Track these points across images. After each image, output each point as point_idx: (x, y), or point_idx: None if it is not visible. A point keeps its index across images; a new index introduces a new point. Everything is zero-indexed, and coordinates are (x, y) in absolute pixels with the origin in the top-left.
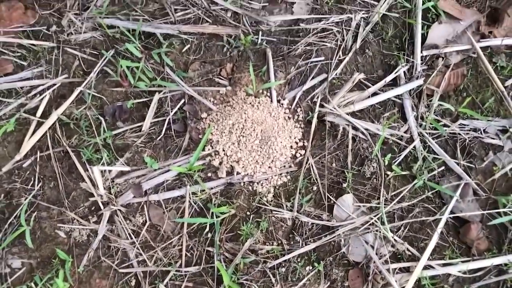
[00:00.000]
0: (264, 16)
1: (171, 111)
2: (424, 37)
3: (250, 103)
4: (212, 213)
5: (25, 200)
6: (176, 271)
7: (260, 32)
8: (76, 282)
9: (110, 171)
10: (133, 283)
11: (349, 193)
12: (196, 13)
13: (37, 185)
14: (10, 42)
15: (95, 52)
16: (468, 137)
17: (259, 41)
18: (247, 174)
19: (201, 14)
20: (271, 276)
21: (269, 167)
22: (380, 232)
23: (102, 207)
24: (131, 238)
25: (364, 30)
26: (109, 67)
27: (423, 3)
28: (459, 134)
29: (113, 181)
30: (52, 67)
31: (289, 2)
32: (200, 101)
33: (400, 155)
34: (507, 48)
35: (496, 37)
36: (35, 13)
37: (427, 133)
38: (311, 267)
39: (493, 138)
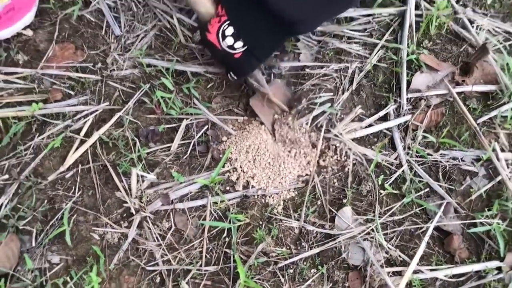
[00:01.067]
0: (276, 62)
1: (196, 135)
2: (408, 83)
3: (264, 129)
4: (230, 220)
5: (66, 205)
6: (196, 270)
7: (272, 75)
8: (107, 278)
9: (143, 181)
10: (157, 280)
11: (348, 206)
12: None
13: (77, 193)
14: (61, 75)
15: (133, 86)
16: (448, 164)
17: (271, 81)
18: (261, 188)
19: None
20: (280, 276)
21: (280, 183)
22: (375, 240)
23: (134, 212)
24: (158, 241)
25: (358, 76)
26: (145, 98)
27: (407, 56)
28: (441, 161)
29: (143, 192)
30: (95, 96)
31: (297, 52)
32: (221, 127)
33: (391, 177)
34: (477, 93)
35: (468, 85)
36: (83, 53)
37: (413, 160)
38: (315, 270)
39: (469, 166)
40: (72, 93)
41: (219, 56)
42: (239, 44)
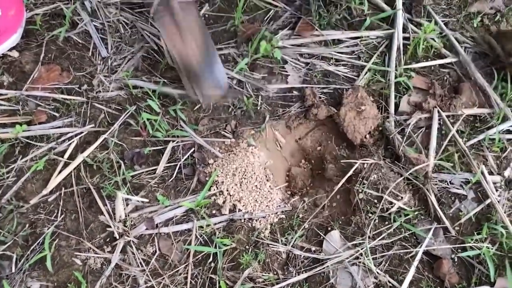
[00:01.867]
0: (263, 84)
1: (182, 158)
2: (397, 105)
3: (251, 152)
4: (216, 245)
5: (47, 229)
6: None
7: (260, 97)
8: None
9: (127, 204)
10: None
11: (336, 229)
12: None
13: (60, 217)
14: (46, 97)
15: (119, 108)
16: (437, 187)
17: (259, 103)
18: (247, 211)
19: None
20: None
21: (267, 206)
22: (364, 265)
23: (117, 236)
24: (142, 266)
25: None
26: (130, 120)
27: (395, 78)
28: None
29: (128, 215)
30: (80, 118)
31: (284, 74)
32: (208, 150)
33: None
34: (465, 116)
35: (456, 107)
36: (69, 74)
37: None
38: None
39: (458, 189)
40: (57, 115)
41: None
42: None
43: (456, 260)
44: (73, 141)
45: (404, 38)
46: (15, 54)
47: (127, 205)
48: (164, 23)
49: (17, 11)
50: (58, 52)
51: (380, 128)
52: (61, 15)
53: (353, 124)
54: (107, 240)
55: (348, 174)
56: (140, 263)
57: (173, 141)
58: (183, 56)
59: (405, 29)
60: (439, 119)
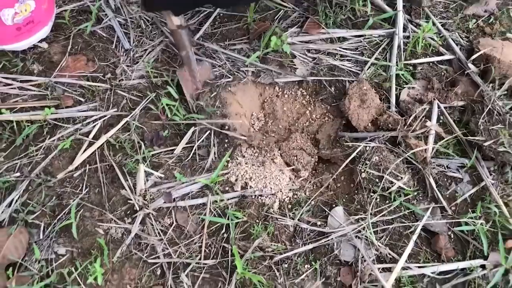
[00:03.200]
0: (274, 76)
1: (198, 140)
2: (397, 97)
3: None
4: (228, 217)
5: (73, 201)
6: (196, 263)
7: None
8: (110, 269)
9: (147, 180)
10: (158, 272)
11: (340, 206)
12: (222, 71)
13: (84, 191)
14: (73, 83)
15: (140, 95)
16: (435, 171)
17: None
18: (258, 189)
19: (225, 72)
20: (275, 270)
21: (276, 184)
22: (366, 238)
23: (137, 208)
24: (159, 236)
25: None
26: (151, 105)
27: (396, 72)
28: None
29: (147, 190)
30: (104, 103)
31: (293, 68)
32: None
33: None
34: (460, 107)
35: (452, 100)
36: (94, 64)
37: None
38: (309, 265)
39: (454, 172)
40: (83, 100)
41: None
42: None
43: (452, 236)
44: (97, 123)
45: (404, 37)
46: (44, 45)
47: (147, 180)
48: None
49: (49, 5)
50: (84, 44)
51: (383, 116)
52: (88, 11)
53: (357, 112)
54: (128, 212)
55: (352, 156)
56: (158, 233)
57: (194, 125)
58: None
59: (405, 29)
60: (438, 109)
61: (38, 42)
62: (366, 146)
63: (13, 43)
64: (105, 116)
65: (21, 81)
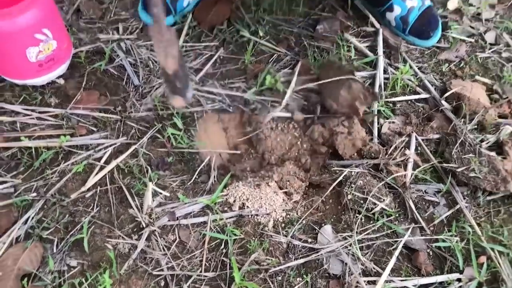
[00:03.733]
0: (268, 111)
1: (199, 167)
2: (379, 130)
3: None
4: (227, 234)
5: (85, 219)
6: (197, 275)
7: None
8: (118, 281)
9: (153, 200)
10: (162, 284)
11: (328, 225)
12: (221, 104)
13: (95, 209)
14: (86, 115)
15: (148, 125)
16: (414, 195)
17: None
18: (254, 209)
19: (224, 105)
20: (270, 282)
21: (270, 205)
22: (352, 254)
23: (144, 226)
24: (164, 251)
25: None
26: (157, 134)
27: (378, 108)
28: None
29: (153, 210)
30: (115, 132)
31: (286, 104)
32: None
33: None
34: (435, 139)
35: (429, 133)
36: (106, 98)
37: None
38: (301, 278)
39: (432, 197)
40: (95, 129)
41: None
42: None
43: (430, 253)
44: (108, 150)
45: (385, 78)
46: (61, 81)
47: (153, 201)
48: (153, 37)
49: (68, 46)
50: (97, 81)
51: (366, 147)
52: (102, 52)
53: (343, 143)
54: (135, 229)
55: (338, 180)
56: (162, 248)
57: (197, 153)
58: (163, 64)
59: (385, 71)
60: (416, 141)
61: (57, 78)
62: (351, 172)
63: (35, 78)
64: (115, 143)
65: (39, 112)
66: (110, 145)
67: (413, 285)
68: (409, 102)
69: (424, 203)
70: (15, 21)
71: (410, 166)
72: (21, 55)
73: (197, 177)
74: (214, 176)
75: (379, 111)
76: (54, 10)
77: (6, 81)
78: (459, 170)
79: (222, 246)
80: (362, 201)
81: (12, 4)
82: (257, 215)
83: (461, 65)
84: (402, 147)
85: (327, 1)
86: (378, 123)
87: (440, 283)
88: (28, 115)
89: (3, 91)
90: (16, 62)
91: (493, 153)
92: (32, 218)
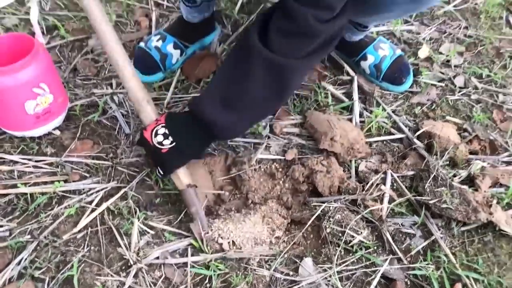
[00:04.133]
0: (251, 152)
1: (185, 207)
2: (356, 168)
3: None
4: (211, 269)
5: (75, 258)
6: None
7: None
8: None
9: (141, 239)
10: None
11: (309, 257)
12: (207, 149)
13: (86, 249)
14: (79, 162)
15: (137, 170)
16: (391, 228)
17: None
18: (238, 246)
19: (210, 149)
20: None
21: (254, 242)
22: (332, 286)
23: (131, 263)
24: (150, 287)
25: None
26: (146, 178)
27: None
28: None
29: (141, 248)
30: (106, 177)
31: (268, 146)
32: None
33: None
34: (410, 175)
35: (403, 170)
36: (99, 146)
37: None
38: None
39: (408, 229)
40: (88, 175)
41: (150, 151)
42: (167, 141)
43: (408, 282)
44: (99, 194)
45: (361, 121)
46: (57, 132)
47: (141, 239)
48: (196, 233)
49: (64, 99)
50: (91, 131)
51: (344, 184)
52: (96, 105)
53: (323, 180)
54: (123, 267)
55: (317, 213)
56: (149, 284)
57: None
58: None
59: (361, 115)
60: (391, 178)
61: (53, 129)
62: (329, 206)
63: (32, 129)
64: (106, 187)
65: (36, 161)
66: (101, 189)
67: None
68: (384, 142)
69: (401, 235)
70: (15, 76)
71: (386, 200)
72: (20, 108)
73: (183, 216)
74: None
75: None
76: (51, 66)
77: (6, 133)
78: (431, 202)
79: (207, 281)
80: (340, 234)
81: (12, 61)
82: (241, 250)
83: (433, 107)
84: (378, 183)
85: None
86: (355, 162)
87: None
88: (25, 163)
89: (2, 143)
90: (15, 114)
91: (464, 186)
92: (26, 259)
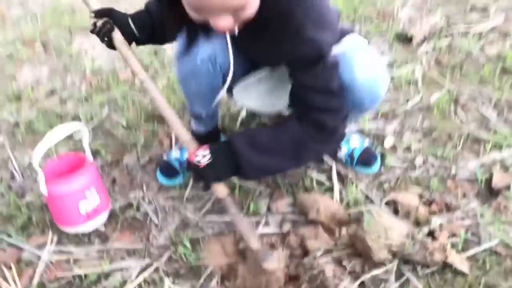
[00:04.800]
0: (252, 227)
1: (204, 274)
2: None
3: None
4: None
5: None
6: None
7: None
8: None
9: None
10: None
11: None
12: (219, 229)
13: None
14: (120, 248)
15: (164, 249)
16: (368, 276)
17: None
18: None
19: (221, 229)
20: None
21: None
22: None
23: None
24: None
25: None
26: (172, 255)
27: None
28: None
29: None
30: (141, 257)
31: (268, 223)
32: None
33: None
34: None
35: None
36: (135, 235)
37: None
38: None
39: (383, 275)
40: (127, 256)
41: (192, 167)
42: (204, 159)
43: None
44: (136, 269)
45: (341, 198)
46: (102, 228)
47: None
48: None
49: (107, 201)
50: (128, 224)
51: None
52: (131, 205)
53: (312, 244)
54: None
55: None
56: None
57: (200, 265)
58: None
59: (340, 193)
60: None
61: (99, 225)
62: (318, 262)
63: (83, 225)
64: (142, 265)
65: (87, 250)
66: (138, 265)
67: None
68: (359, 211)
69: (376, 280)
70: (72, 185)
71: None
72: (75, 208)
73: (203, 282)
74: (217, 282)
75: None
76: (98, 176)
77: (64, 232)
78: (395, 249)
79: None
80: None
81: (70, 171)
82: None
83: (398, 182)
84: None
85: None
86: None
87: None
88: (78, 253)
89: (63, 238)
90: (71, 214)
91: (425, 238)
92: None
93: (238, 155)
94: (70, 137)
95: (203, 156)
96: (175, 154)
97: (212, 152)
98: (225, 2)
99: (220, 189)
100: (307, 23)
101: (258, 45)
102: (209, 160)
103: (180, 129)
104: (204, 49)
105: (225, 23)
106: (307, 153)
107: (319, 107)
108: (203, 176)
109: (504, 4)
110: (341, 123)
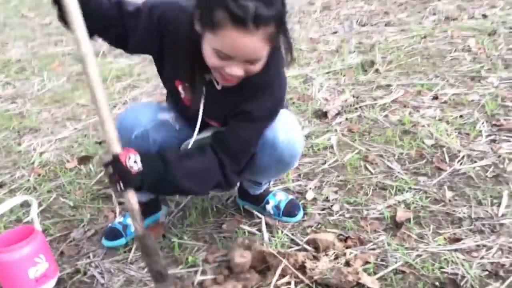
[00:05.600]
0: (193, 278)
1: None
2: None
3: None
4: None
5: None
6: None
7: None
8: None
9: None
10: None
11: None
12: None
13: None
14: None
15: None
16: None
17: None
18: None
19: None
20: None
21: None
22: None
23: None
24: None
25: None
26: None
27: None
28: None
29: None
30: None
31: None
32: None
33: None
34: None
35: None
36: None
37: None
38: None
39: None
40: None
41: (122, 170)
42: (136, 166)
43: None
44: None
45: (269, 239)
46: None
47: None
48: None
49: (55, 267)
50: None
51: None
52: (78, 270)
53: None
54: None
55: None
56: None
57: None
58: None
59: (270, 240)
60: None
61: None
62: None
63: None
64: None
65: None
66: None
67: None
68: (285, 253)
69: None
70: (21, 251)
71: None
72: (25, 274)
73: None
74: None
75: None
76: (46, 244)
77: None
78: (317, 277)
79: None
80: None
81: (17, 241)
82: None
83: (318, 226)
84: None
85: (228, 212)
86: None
87: None
88: None
89: None
90: (20, 280)
91: (341, 266)
92: None
93: (168, 165)
94: (17, 213)
95: (134, 161)
96: (118, 219)
97: (143, 159)
98: (254, 51)
99: (132, 198)
100: (279, 87)
101: (231, 99)
102: (139, 169)
103: (108, 124)
104: (139, 127)
105: (237, 71)
106: (213, 178)
107: (231, 153)
108: (129, 181)
109: (403, 82)
110: (236, 174)
